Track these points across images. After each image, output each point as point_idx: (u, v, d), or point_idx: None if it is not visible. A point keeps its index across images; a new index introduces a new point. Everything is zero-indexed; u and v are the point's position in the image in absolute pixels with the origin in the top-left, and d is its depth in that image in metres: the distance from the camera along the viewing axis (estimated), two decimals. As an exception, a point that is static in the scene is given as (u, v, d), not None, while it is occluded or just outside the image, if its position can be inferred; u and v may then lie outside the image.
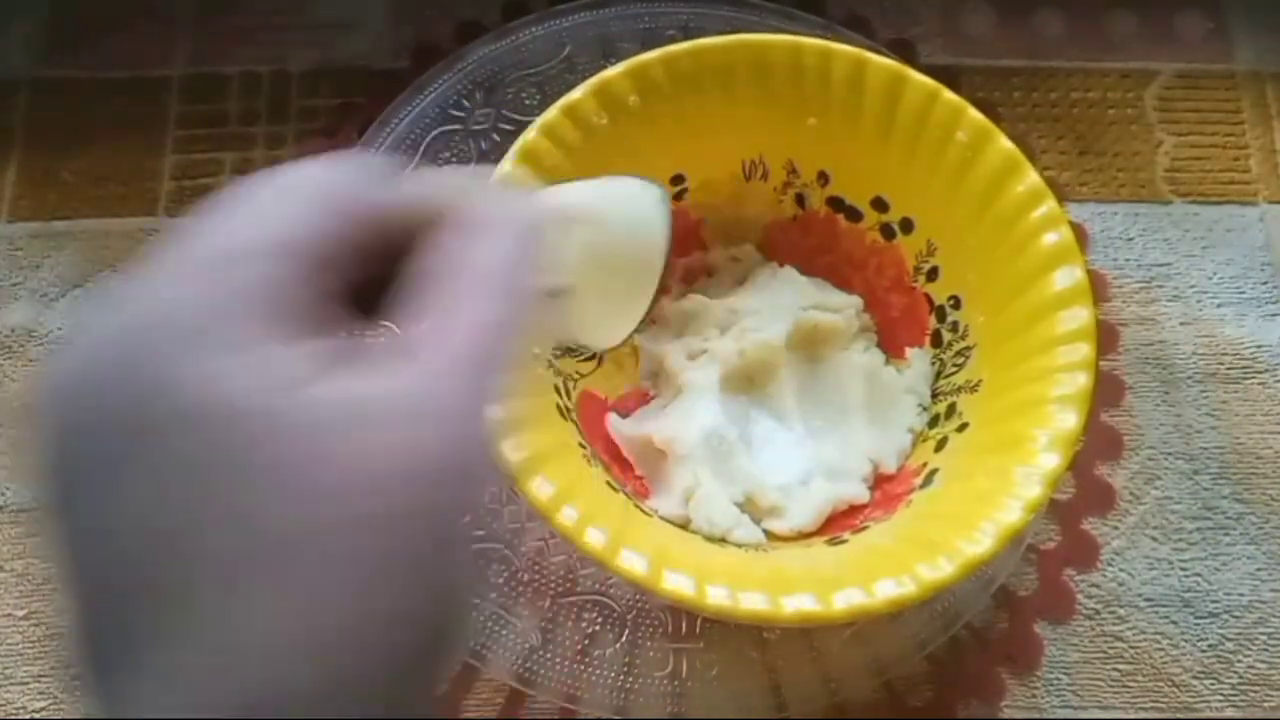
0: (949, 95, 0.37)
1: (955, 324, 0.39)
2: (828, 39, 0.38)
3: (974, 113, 0.37)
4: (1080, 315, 0.34)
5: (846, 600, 0.31)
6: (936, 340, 0.39)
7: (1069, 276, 0.35)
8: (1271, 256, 0.46)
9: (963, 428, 0.37)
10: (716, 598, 0.31)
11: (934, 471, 0.37)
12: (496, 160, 0.36)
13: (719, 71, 0.37)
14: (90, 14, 0.48)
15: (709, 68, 0.37)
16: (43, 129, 0.47)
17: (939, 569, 0.31)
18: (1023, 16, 0.50)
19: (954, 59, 0.49)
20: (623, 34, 0.46)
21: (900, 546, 0.33)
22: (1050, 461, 0.32)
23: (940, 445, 0.37)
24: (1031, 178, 0.36)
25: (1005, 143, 0.36)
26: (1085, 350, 0.34)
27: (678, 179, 0.40)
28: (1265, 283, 0.45)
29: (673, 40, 0.40)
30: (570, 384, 0.38)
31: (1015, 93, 0.48)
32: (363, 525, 0.15)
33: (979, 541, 0.31)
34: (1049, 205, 0.35)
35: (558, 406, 0.36)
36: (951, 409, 0.38)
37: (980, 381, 0.37)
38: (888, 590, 0.31)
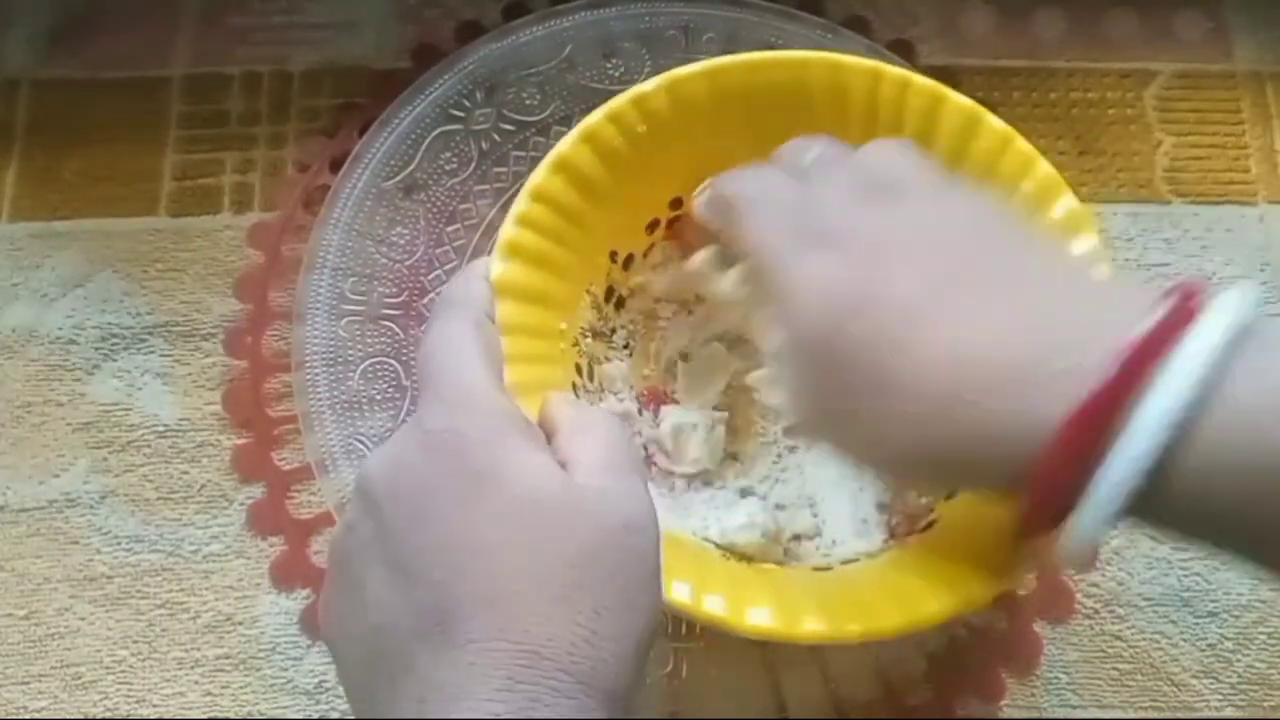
0: (1004, 129, 0.36)
1: None
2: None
3: (1045, 166, 0.36)
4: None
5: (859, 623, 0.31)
6: None
7: None
8: (1271, 256, 0.46)
9: None
10: (712, 607, 0.31)
11: (934, 521, 0.36)
12: (497, 160, 0.36)
13: (795, 86, 0.37)
14: (90, 14, 0.48)
15: (789, 80, 0.37)
16: (43, 129, 0.47)
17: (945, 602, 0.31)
18: (1023, 16, 0.50)
19: (954, 59, 0.49)
20: (623, 34, 0.46)
21: (906, 578, 0.33)
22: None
23: (950, 494, 0.36)
24: (1069, 199, 0.35)
25: (1070, 199, 0.35)
26: None
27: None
28: (1265, 283, 0.45)
29: (673, 40, 0.40)
30: (595, 365, 0.38)
31: (1015, 93, 0.48)
32: (625, 556, 0.25)
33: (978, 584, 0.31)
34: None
35: (574, 384, 0.36)
36: None
37: None
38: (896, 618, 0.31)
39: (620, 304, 0.40)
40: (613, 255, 0.38)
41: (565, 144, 0.35)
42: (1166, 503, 0.24)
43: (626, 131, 0.36)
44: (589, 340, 0.38)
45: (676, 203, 0.39)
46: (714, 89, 0.36)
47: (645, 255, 0.40)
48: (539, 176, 0.35)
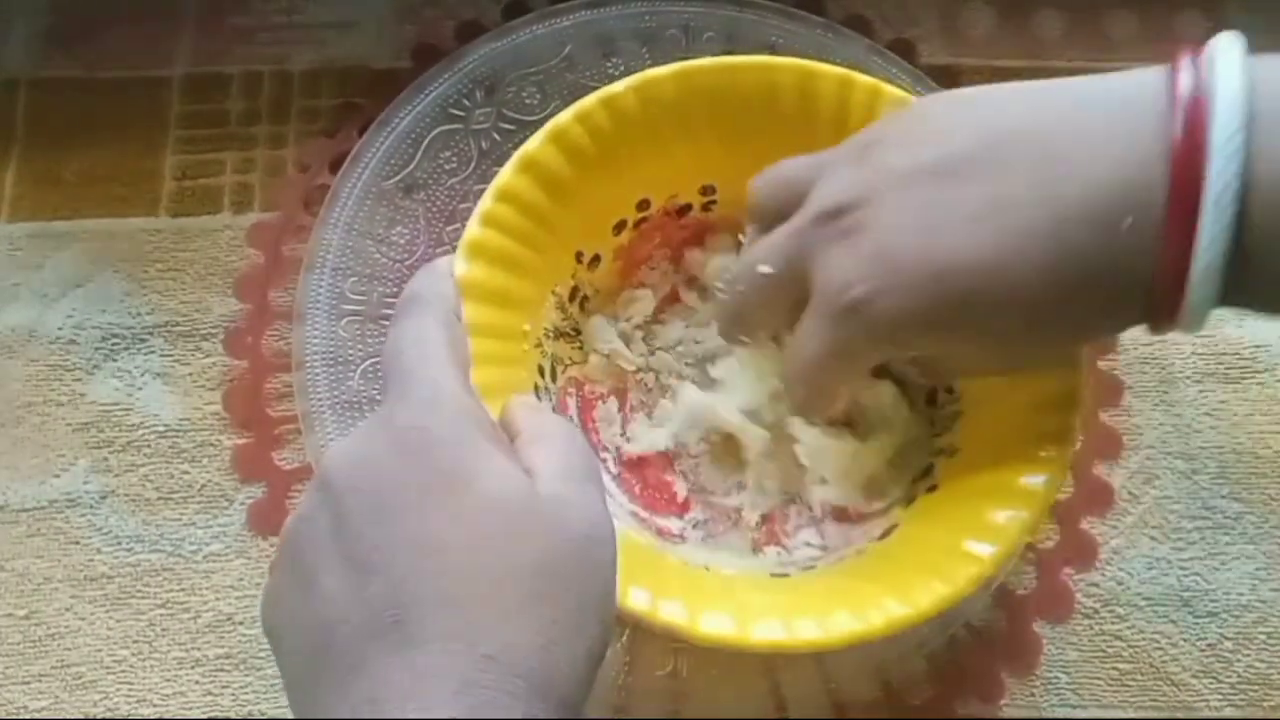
0: None
1: (951, 386, 0.37)
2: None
3: None
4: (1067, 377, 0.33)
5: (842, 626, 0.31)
6: (932, 398, 0.38)
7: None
8: (1271, 256, 0.46)
9: (933, 489, 0.36)
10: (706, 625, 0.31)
11: (893, 527, 0.36)
12: (497, 160, 0.36)
13: (764, 90, 0.37)
14: (90, 14, 0.48)
15: (759, 85, 0.37)
16: (43, 129, 0.47)
17: (921, 599, 0.31)
18: (1023, 16, 0.50)
19: (954, 59, 0.49)
20: (623, 33, 0.46)
21: (866, 585, 0.33)
22: (986, 551, 0.32)
23: (908, 502, 0.37)
24: None
25: None
26: (1066, 420, 0.33)
27: (708, 189, 0.40)
28: (1264, 283, 0.45)
29: (673, 40, 0.40)
30: (559, 367, 0.38)
31: (1015, 93, 0.48)
32: (585, 567, 0.25)
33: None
34: None
35: (535, 386, 0.36)
36: (929, 469, 0.37)
37: (958, 449, 0.36)
38: (880, 617, 0.31)
39: (585, 304, 0.40)
40: (579, 256, 0.38)
41: (532, 143, 0.35)
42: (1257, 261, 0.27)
43: (594, 131, 0.36)
44: (552, 341, 0.38)
45: (644, 204, 0.39)
46: (683, 91, 0.36)
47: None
48: (505, 176, 0.35)
